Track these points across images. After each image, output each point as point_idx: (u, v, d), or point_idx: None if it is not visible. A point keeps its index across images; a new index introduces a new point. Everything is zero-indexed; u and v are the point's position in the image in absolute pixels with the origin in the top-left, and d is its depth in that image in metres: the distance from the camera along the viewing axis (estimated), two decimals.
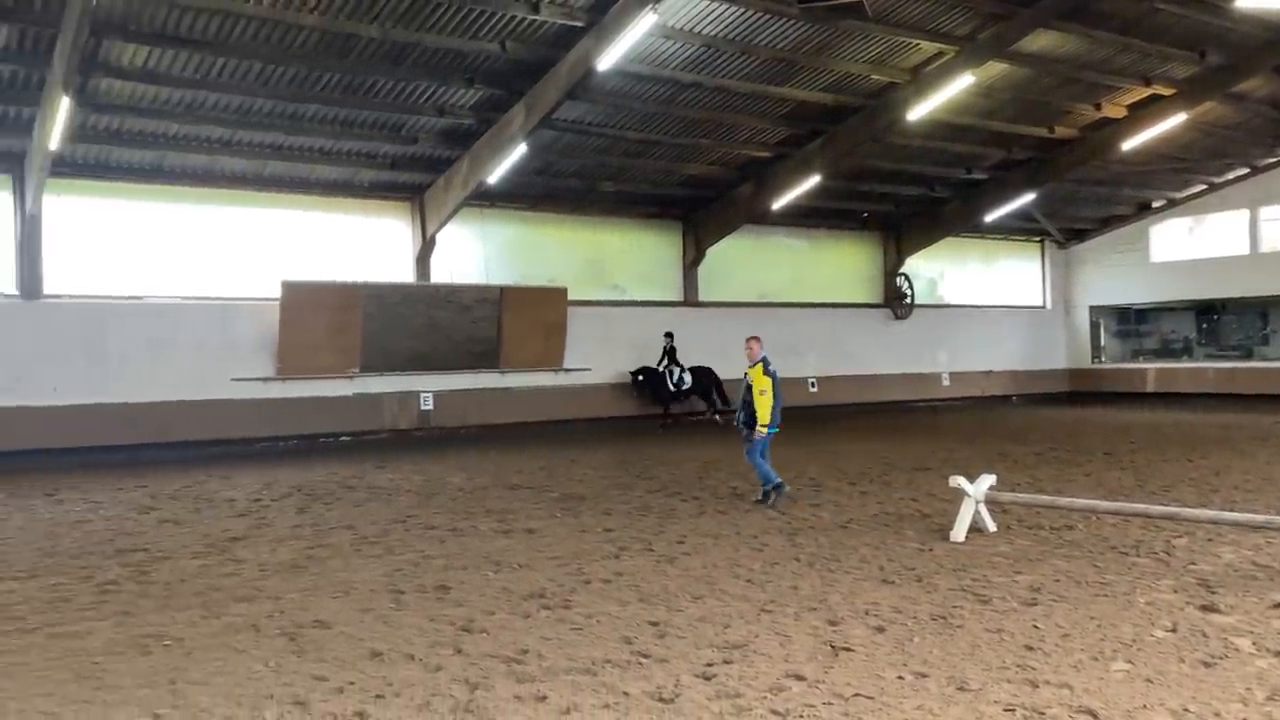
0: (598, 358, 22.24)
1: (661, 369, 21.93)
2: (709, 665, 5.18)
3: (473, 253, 21.70)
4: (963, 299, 29.56)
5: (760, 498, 10.49)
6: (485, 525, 9.59)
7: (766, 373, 10.35)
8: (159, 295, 18.05)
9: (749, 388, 10.45)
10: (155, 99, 15.81)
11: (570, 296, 21.59)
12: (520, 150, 17.74)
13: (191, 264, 18.46)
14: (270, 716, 4.57)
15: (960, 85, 18.01)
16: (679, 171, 21.90)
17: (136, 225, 18.05)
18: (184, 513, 10.74)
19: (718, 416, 21.60)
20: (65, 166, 16.45)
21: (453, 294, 20.64)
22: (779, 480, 10.46)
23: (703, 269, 24.54)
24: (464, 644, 5.65)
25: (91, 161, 17.23)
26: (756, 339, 10.89)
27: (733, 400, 20.54)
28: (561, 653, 5.44)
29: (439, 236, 20.60)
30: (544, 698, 4.73)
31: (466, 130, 18.38)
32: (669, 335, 22.22)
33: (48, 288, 17.05)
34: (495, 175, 18.56)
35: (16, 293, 16.79)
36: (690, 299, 24.38)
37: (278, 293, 18.26)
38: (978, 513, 8.57)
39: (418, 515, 10.28)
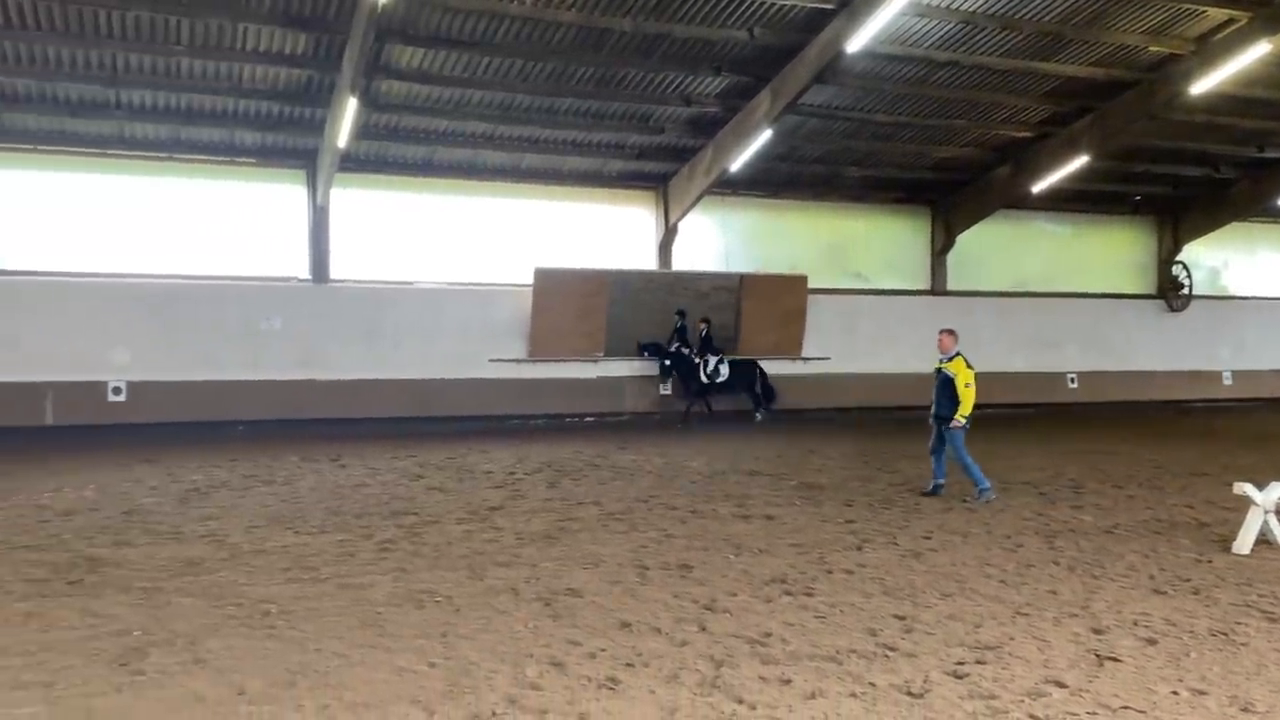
0: (838, 347, 21.90)
1: (696, 359, 19.61)
2: (960, 664, 5.01)
3: (713, 240, 21.93)
4: (1251, 290, 26.71)
5: (977, 496, 10.18)
6: (724, 509, 9.70)
7: (969, 366, 10.31)
8: (428, 281, 19.49)
9: (946, 381, 10.32)
10: (427, 98, 17.06)
11: (811, 284, 21.37)
12: (764, 137, 17.72)
13: (456, 252, 19.80)
14: (531, 674, 4.86)
15: (1254, 55, 16.22)
16: (929, 155, 21.12)
17: (408, 216, 19.58)
18: (449, 482, 11.57)
19: (758, 414, 19.79)
20: (349, 162, 18.05)
21: (692, 281, 20.96)
22: (943, 482, 10.48)
23: (952, 256, 23.58)
24: (707, 622, 5.76)
25: (372, 157, 18.82)
26: (950, 333, 10.65)
27: (777, 398, 19.89)
28: (804, 639, 5.43)
29: (681, 225, 20.98)
30: (788, 681, 4.75)
31: (711, 119, 18.57)
32: (706, 321, 19.88)
33: (334, 273, 18.84)
34: (738, 163, 18.64)
35: (309, 277, 18.67)
36: (938, 288, 23.49)
37: (531, 279, 19.25)
38: (1266, 523, 7.75)
39: (659, 495, 10.55)
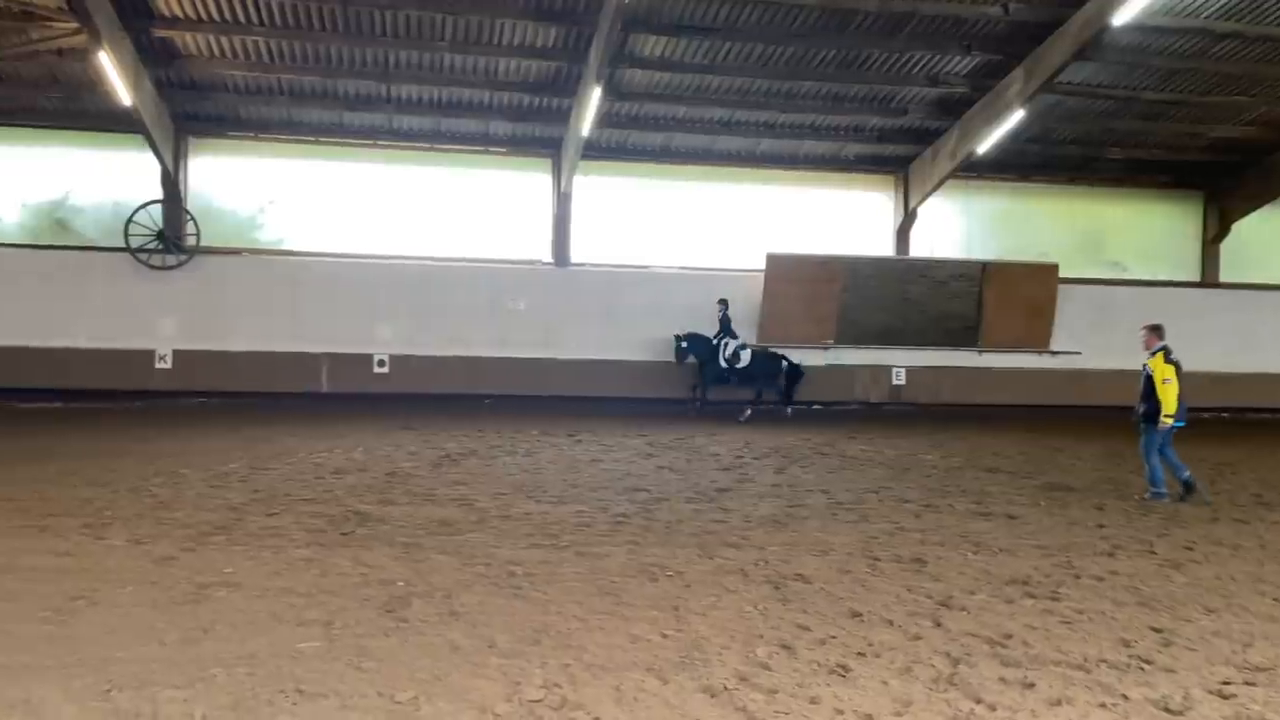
0: (1091, 341, 20.48)
1: (716, 341, 18.13)
2: (1225, 684, 4.62)
3: (954, 226, 21.08)
4: None
5: (1149, 496, 9.75)
6: (961, 505, 9.36)
7: (1168, 361, 9.76)
8: (660, 265, 19.90)
9: (1148, 379, 9.86)
10: (668, 85, 17.39)
11: (1061, 274, 20.11)
12: (1016, 117, 16.83)
13: (688, 237, 20.09)
14: (761, 654, 4.92)
15: None
16: (1203, 134, 19.33)
17: (645, 202, 20.05)
18: (678, 461, 11.83)
19: (789, 409, 18.15)
20: (592, 150, 18.68)
21: (929, 268, 20.25)
22: (1188, 475, 9.84)
23: (1227, 245, 21.48)
24: (943, 618, 5.61)
25: (613, 145, 19.39)
26: (1154, 328, 10.06)
27: (802, 393, 18.27)
28: (1049, 644, 5.18)
29: (920, 210, 20.29)
30: (1031, 685, 4.55)
31: (959, 99, 17.83)
32: (723, 303, 18.34)
33: (574, 257, 19.62)
34: (986, 145, 17.82)
35: (551, 261, 19.54)
36: (1209, 279, 21.51)
37: (762, 264, 19.24)
38: None
39: (891, 487, 10.32)
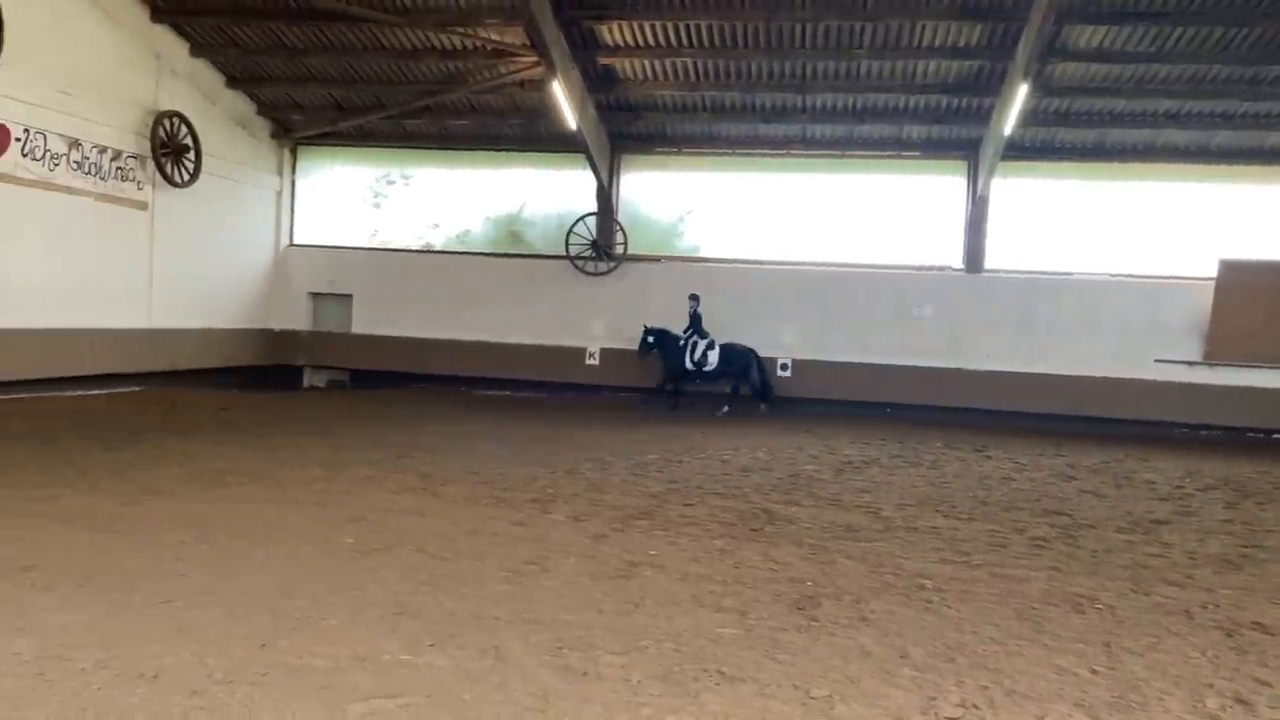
0: None
1: (684, 340, 17.91)
2: None
3: None
4: None
5: None
6: None
7: None
8: (1087, 272, 18.35)
9: None
10: (1105, 77, 16.01)
11: None
12: None
13: (1121, 241, 18.32)
14: (1211, 705, 4.40)
15: None
16: None
17: (1070, 203, 18.58)
18: (1104, 487, 10.86)
19: (763, 406, 17.70)
20: (1012, 150, 17.67)
21: None
22: None
23: None
24: None
25: (1037, 144, 18.21)
26: None
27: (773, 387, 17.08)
28: None
29: None
30: None
31: None
32: (694, 298, 18.17)
33: (988, 263, 18.71)
34: None
35: (962, 267, 18.80)
36: None
37: (1213, 272, 17.07)
38: None
39: None
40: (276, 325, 21.06)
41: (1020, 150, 18.06)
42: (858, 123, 18.30)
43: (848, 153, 19.13)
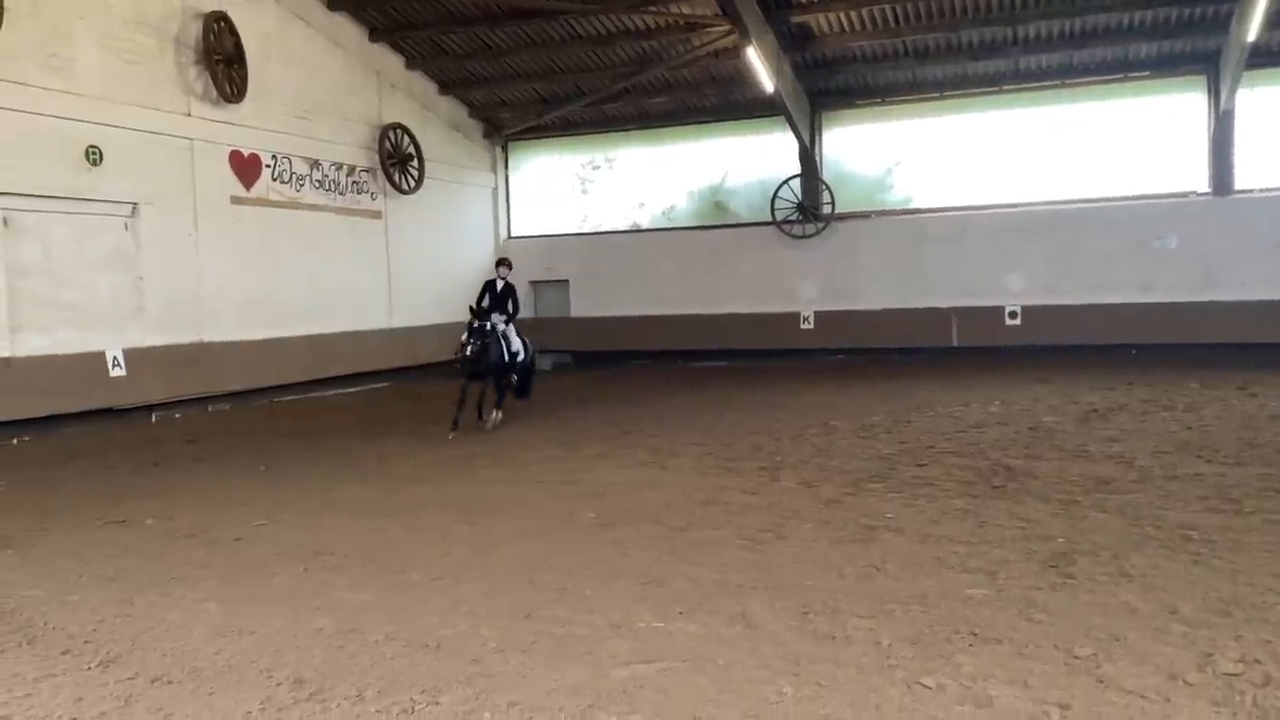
0: None
1: (490, 325, 11.78)
2: None
3: None
4: None
5: None
6: None
7: None
8: None
9: None
10: None
11: None
12: None
13: None
14: None
15: None
16: None
17: None
18: None
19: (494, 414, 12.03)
20: (1258, 57, 15.97)
21: None
22: None
23: None
24: None
25: None
26: None
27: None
28: None
29: None
30: None
31: None
32: (503, 263, 12.72)
33: (1238, 184, 17.04)
34: None
35: (1208, 190, 17.22)
36: None
37: None
38: None
39: None
40: None
41: (1266, 57, 16.29)
42: (1076, 48, 17.07)
43: (1067, 81, 17.88)
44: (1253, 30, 14.34)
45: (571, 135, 21.60)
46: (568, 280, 21.83)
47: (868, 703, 3.76)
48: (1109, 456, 8.47)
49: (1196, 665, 3.99)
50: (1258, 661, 4.00)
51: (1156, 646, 4.21)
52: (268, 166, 15.82)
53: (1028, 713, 3.63)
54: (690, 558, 5.86)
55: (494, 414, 12.08)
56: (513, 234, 22.34)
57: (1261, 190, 16.92)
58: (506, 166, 22.30)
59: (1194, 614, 4.58)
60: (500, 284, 12.41)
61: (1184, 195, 17.41)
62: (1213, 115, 17.05)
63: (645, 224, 21.42)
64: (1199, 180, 17.32)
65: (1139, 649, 4.19)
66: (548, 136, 21.73)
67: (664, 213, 21.26)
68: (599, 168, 21.78)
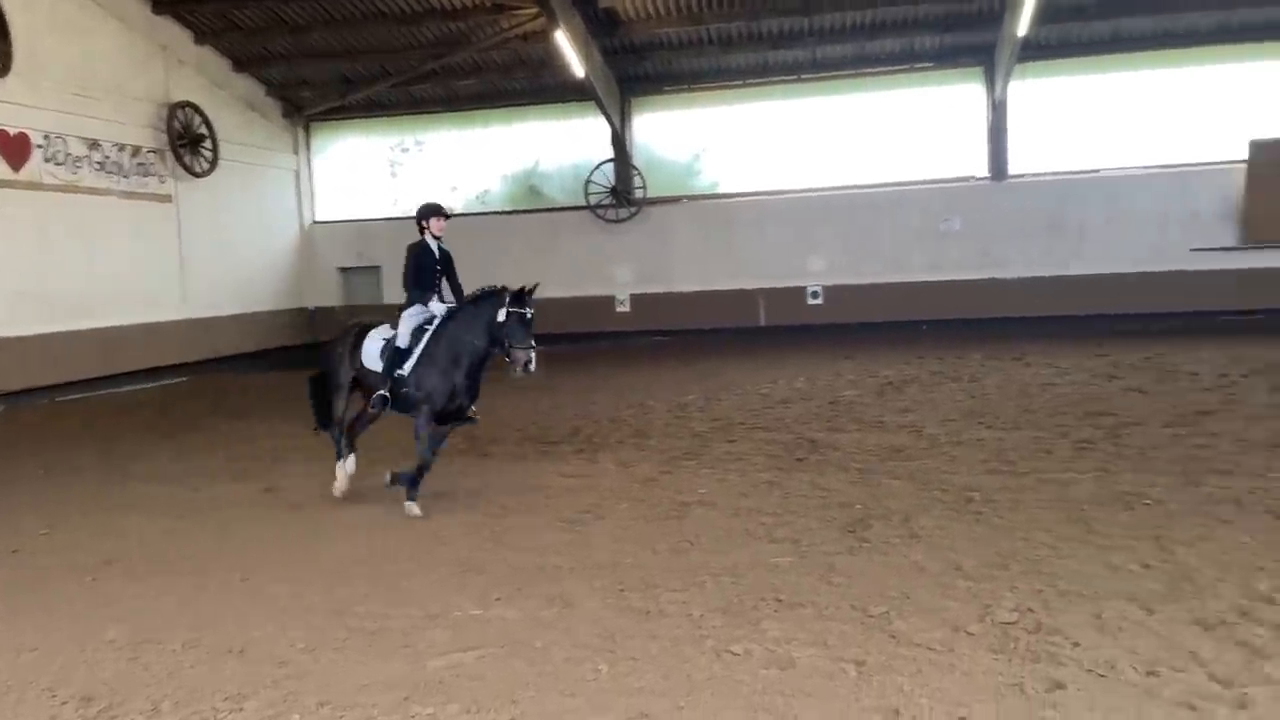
0: None
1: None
2: None
3: None
4: None
5: None
6: None
7: None
8: (1115, 167, 18.06)
9: None
10: None
11: None
12: None
13: (1146, 133, 17.97)
14: (1263, 587, 4.48)
15: None
16: None
17: (1091, 99, 18.23)
18: (1148, 383, 10.82)
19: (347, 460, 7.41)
20: (1028, 51, 17.32)
21: None
22: None
23: None
24: None
25: (1053, 42, 17.85)
26: None
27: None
28: None
29: None
30: None
31: None
32: (437, 212, 7.40)
33: (1012, 169, 18.46)
34: None
35: (987, 175, 18.57)
36: None
37: (1243, 154, 16.74)
38: None
39: None
40: (310, 303, 21.33)
41: (1037, 50, 17.70)
42: (867, 39, 18.00)
43: (860, 71, 18.86)
44: (1023, 25, 15.54)
45: (379, 117, 20.97)
46: (380, 266, 21.21)
47: (680, 673, 3.88)
48: (902, 426, 9.03)
49: (977, 617, 4.33)
50: (1030, 610, 4.37)
51: (942, 601, 4.53)
52: (39, 147, 14.56)
53: (826, 671, 3.84)
54: (509, 543, 5.85)
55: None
56: (318, 218, 21.50)
57: (1033, 175, 18.40)
58: (309, 148, 21.42)
59: (975, 569, 4.96)
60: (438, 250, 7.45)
61: (965, 180, 18.71)
62: (989, 105, 18.38)
63: (459, 208, 21.06)
64: (979, 166, 18.65)
65: (926, 604, 4.50)
66: (354, 118, 21.01)
67: (478, 197, 20.99)
68: (409, 150, 21.26)
